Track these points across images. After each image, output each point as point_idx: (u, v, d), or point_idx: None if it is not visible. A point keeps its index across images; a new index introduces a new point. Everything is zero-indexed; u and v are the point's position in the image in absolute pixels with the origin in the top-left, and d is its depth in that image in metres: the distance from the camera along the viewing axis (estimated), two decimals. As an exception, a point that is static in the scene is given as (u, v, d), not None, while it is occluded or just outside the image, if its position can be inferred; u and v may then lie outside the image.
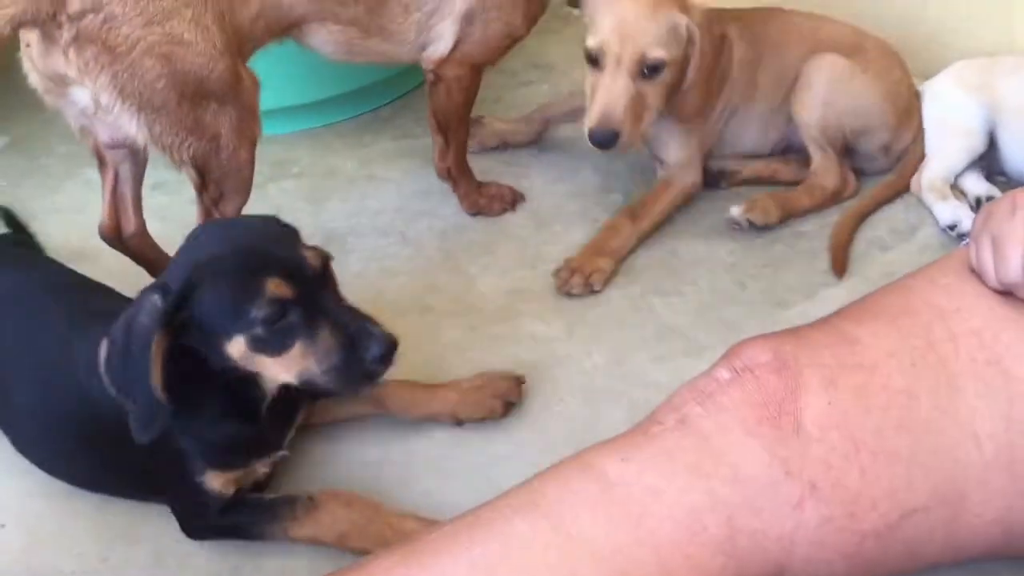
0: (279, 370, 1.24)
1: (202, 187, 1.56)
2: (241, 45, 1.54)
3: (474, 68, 1.76)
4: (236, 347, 1.22)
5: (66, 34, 1.37)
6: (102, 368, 1.20)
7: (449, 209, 1.95)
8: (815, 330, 1.14)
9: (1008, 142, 1.80)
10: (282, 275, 1.20)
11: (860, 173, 1.93)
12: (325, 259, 1.26)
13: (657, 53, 1.63)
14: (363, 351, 1.20)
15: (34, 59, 1.42)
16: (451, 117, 1.82)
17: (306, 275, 1.22)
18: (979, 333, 1.08)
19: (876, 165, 1.94)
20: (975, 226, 1.14)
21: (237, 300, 1.19)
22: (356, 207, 1.99)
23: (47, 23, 1.36)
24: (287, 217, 1.90)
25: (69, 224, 1.96)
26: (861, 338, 1.10)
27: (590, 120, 1.66)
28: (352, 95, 2.20)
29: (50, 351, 1.39)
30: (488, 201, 1.93)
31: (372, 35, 1.68)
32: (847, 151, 1.90)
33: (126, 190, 1.68)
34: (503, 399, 1.49)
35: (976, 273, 1.13)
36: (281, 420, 1.38)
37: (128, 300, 1.33)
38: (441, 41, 1.71)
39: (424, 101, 1.86)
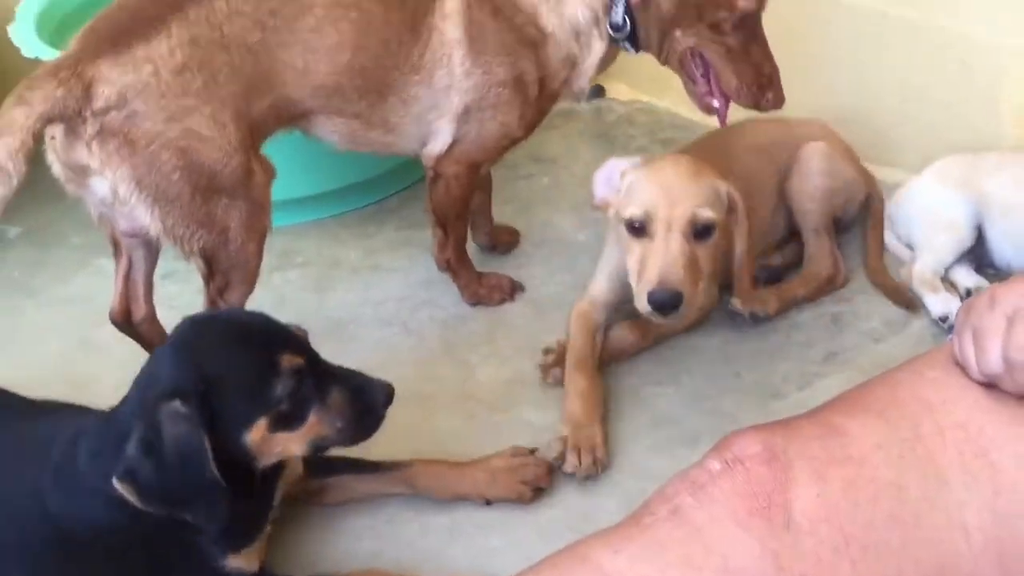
0: (294, 444, 1.28)
1: (209, 277, 1.61)
2: (253, 137, 1.61)
3: (472, 166, 1.82)
4: (257, 431, 1.23)
5: (90, 128, 1.45)
6: (137, 496, 1.17)
7: (450, 299, 2.00)
8: (805, 422, 1.16)
9: (995, 237, 1.85)
10: (291, 348, 1.24)
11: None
12: (303, 331, 1.33)
13: (707, 214, 1.56)
14: (370, 401, 1.29)
15: (58, 151, 1.49)
16: (449, 212, 1.87)
17: (305, 344, 1.28)
18: (965, 426, 1.10)
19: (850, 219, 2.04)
20: (957, 320, 1.17)
21: (257, 382, 1.22)
22: (360, 297, 2.03)
23: (73, 118, 1.44)
24: (291, 307, 1.98)
25: (80, 314, 2.01)
26: (850, 430, 1.12)
27: (649, 283, 1.54)
28: (357, 187, 2.26)
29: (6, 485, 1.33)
30: (488, 291, 1.97)
31: (375, 127, 1.74)
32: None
33: (138, 277, 1.73)
34: (532, 485, 1.51)
35: (961, 366, 1.16)
36: (271, 486, 1.38)
37: (81, 411, 1.36)
38: (439, 138, 1.77)
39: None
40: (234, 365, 1.23)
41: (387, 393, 1.31)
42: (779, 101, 1.74)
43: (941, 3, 2.04)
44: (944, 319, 1.80)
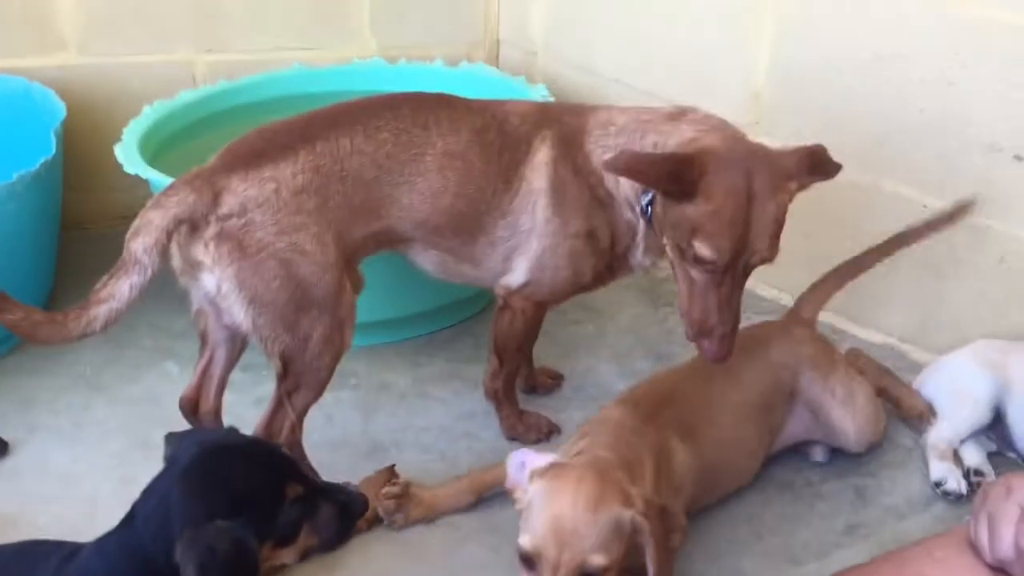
0: (286, 556, 1.40)
1: (283, 377, 1.75)
2: (352, 256, 1.78)
3: (539, 305, 1.94)
4: (264, 552, 1.35)
5: (211, 230, 1.64)
6: None
7: (489, 433, 2.09)
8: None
9: (1017, 421, 1.90)
10: (293, 476, 1.37)
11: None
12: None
13: (598, 560, 1.43)
14: (351, 513, 1.45)
15: (180, 245, 1.67)
16: (510, 343, 1.99)
17: (299, 467, 1.41)
18: (966, 607, 1.15)
19: None
20: (975, 504, 1.24)
21: (268, 510, 1.34)
22: (403, 422, 2.13)
23: (199, 221, 1.63)
24: (338, 425, 2.09)
25: (143, 414, 2.14)
26: (853, 601, 1.18)
27: None
28: (413, 318, 2.39)
29: None
30: (525, 429, 2.07)
31: (464, 262, 1.91)
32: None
33: (215, 373, 1.88)
34: None
35: (974, 548, 1.22)
36: None
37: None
38: (515, 275, 1.91)
39: (480, 328, 2.03)
40: (249, 492, 1.33)
41: (363, 505, 1.47)
42: (717, 355, 1.69)
43: (983, 202, 2.13)
44: (939, 484, 1.89)
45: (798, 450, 2.01)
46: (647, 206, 1.77)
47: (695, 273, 1.68)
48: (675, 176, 1.62)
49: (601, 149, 1.82)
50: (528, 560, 1.45)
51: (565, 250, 1.86)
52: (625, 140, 1.80)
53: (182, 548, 1.24)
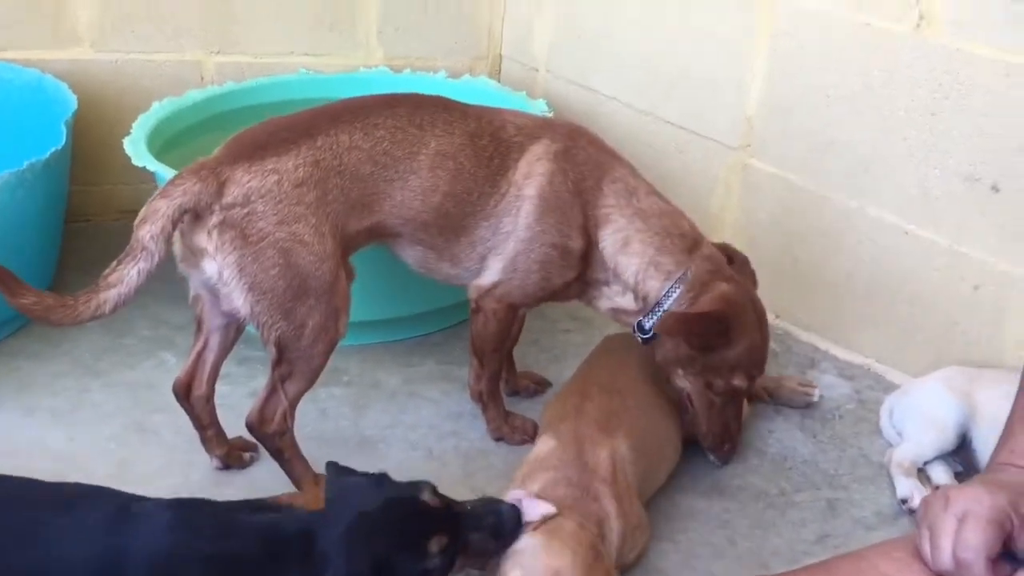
0: None
1: (277, 363, 1.81)
2: (346, 248, 1.85)
3: (510, 307, 2.01)
4: None
5: (215, 218, 1.70)
6: None
7: (476, 433, 2.15)
8: (775, 582, 1.28)
9: (980, 447, 1.97)
10: (437, 529, 1.45)
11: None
12: (435, 489, 1.51)
13: None
14: (505, 530, 1.52)
15: (183, 232, 1.72)
16: (486, 345, 2.05)
17: (444, 514, 1.48)
18: (919, 604, 1.22)
19: None
20: (918, 516, 1.30)
21: (413, 563, 1.43)
22: (393, 419, 2.19)
23: (204, 209, 1.69)
24: (331, 421, 2.15)
25: (138, 399, 2.19)
26: (814, 594, 1.24)
27: None
28: (406, 320, 2.46)
29: None
30: (511, 430, 2.13)
31: (444, 260, 1.98)
32: None
33: (209, 358, 1.93)
34: None
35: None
36: None
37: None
38: (487, 275, 1.97)
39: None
40: (394, 554, 1.43)
41: (517, 518, 1.53)
42: (731, 455, 2.05)
43: (961, 231, 2.22)
44: (904, 501, 1.97)
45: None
46: (650, 329, 1.92)
47: (716, 399, 1.94)
48: (716, 334, 1.85)
49: (614, 203, 1.92)
50: None
51: (539, 256, 1.93)
52: (642, 237, 1.91)
53: None
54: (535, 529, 1.54)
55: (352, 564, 1.39)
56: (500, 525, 1.52)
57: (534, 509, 1.57)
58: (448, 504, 1.50)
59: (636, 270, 1.92)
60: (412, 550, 1.43)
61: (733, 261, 2.00)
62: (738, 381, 1.90)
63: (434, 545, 1.43)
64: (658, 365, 1.96)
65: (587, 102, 2.94)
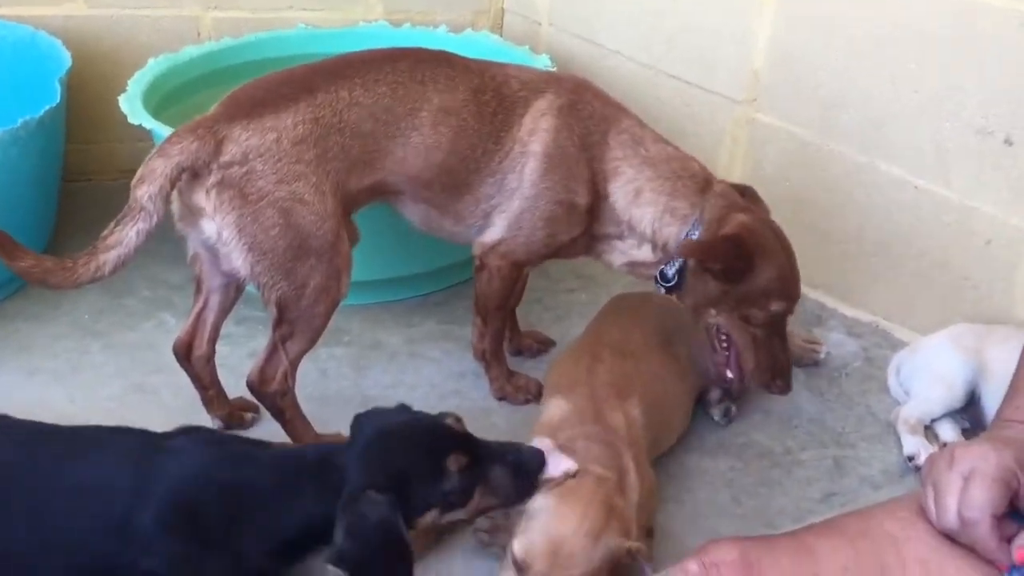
0: (460, 517, 1.47)
1: (278, 323, 1.79)
2: (347, 207, 1.81)
3: (515, 264, 1.98)
4: (429, 516, 1.43)
5: (213, 177, 1.67)
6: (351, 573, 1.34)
7: (479, 392, 2.13)
8: (781, 538, 1.28)
9: (990, 403, 1.94)
10: (457, 448, 1.43)
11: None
12: (460, 420, 1.51)
13: None
14: (526, 470, 1.48)
15: (181, 191, 1.69)
16: (489, 302, 2.02)
17: (466, 438, 1.46)
18: (926, 563, 1.20)
19: None
20: (923, 473, 1.28)
21: (430, 481, 1.41)
22: (395, 379, 2.18)
23: (201, 168, 1.66)
24: (332, 381, 2.13)
25: (138, 359, 2.18)
26: (820, 551, 1.23)
27: None
28: (408, 279, 2.43)
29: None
30: (515, 389, 2.11)
31: (448, 217, 1.95)
32: None
33: (209, 318, 1.90)
34: None
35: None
36: None
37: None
38: (492, 232, 1.94)
39: (473, 292, 2.06)
40: (411, 467, 1.41)
41: (540, 460, 1.49)
42: (786, 388, 1.90)
43: (974, 185, 2.18)
44: (911, 458, 1.95)
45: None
46: (674, 275, 1.87)
47: (758, 331, 1.85)
48: (737, 257, 1.78)
49: (621, 155, 1.89)
50: (519, 566, 1.48)
51: (544, 212, 1.90)
52: (650, 174, 1.87)
53: (340, 510, 1.35)
54: (553, 487, 1.51)
55: (368, 476, 1.38)
56: (521, 464, 1.48)
57: (557, 464, 1.52)
58: (470, 434, 1.49)
59: (652, 219, 1.87)
60: (430, 465, 1.41)
61: (744, 195, 1.94)
62: (776, 307, 1.82)
63: (453, 463, 1.41)
64: (689, 310, 1.90)
65: (591, 56, 2.89)
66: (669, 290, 1.90)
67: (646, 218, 1.88)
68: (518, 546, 1.48)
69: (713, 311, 1.86)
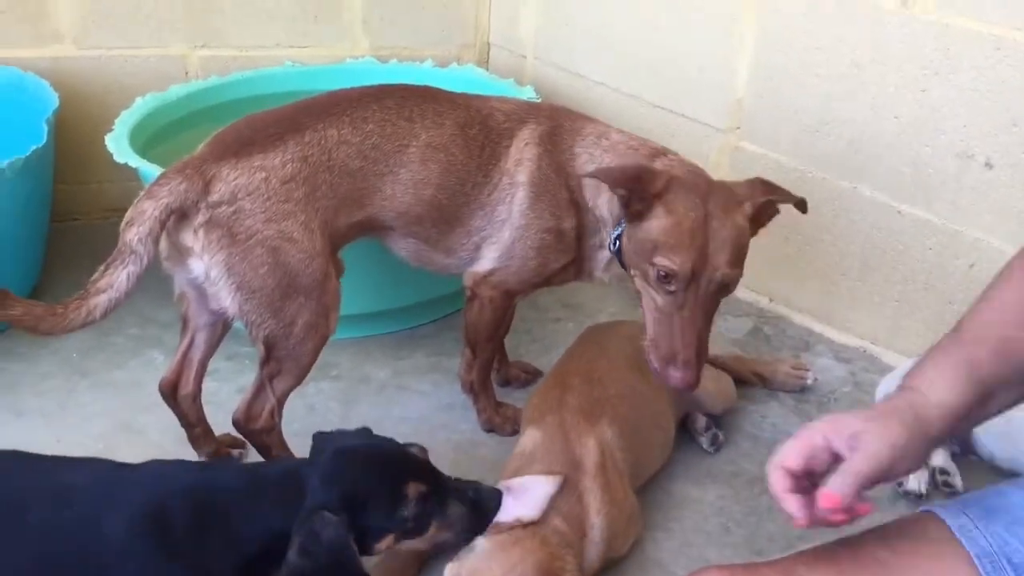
0: (417, 545, 1.48)
1: (265, 361, 1.79)
2: (336, 243, 1.82)
3: (506, 294, 1.98)
4: (385, 542, 1.44)
5: (201, 217, 1.67)
6: None
7: (467, 426, 2.13)
8: (769, 567, 1.27)
9: (979, 429, 1.94)
10: (416, 476, 1.44)
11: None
12: (424, 450, 1.53)
13: None
14: (483, 508, 1.51)
15: (169, 230, 1.69)
16: (480, 333, 2.02)
17: (427, 468, 1.48)
18: (915, 591, 1.20)
19: None
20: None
21: (388, 507, 1.42)
22: (383, 413, 2.17)
23: (190, 207, 1.66)
24: (319, 415, 2.13)
25: (125, 398, 2.18)
26: (808, 579, 1.22)
27: None
28: (395, 312, 2.43)
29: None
30: (502, 421, 2.10)
31: (439, 251, 1.95)
32: None
33: (195, 356, 1.90)
34: None
35: (925, 536, 1.26)
36: None
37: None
38: (483, 263, 1.95)
39: (461, 324, 2.07)
40: (370, 491, 1.43)
41: (497, 500, 1.52)
42: (683, 381, 1.70)
43: (956, 209, 2.19)
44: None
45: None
46: (616, 240, 1.82)
47: (659, 298, 1.71)
48: (638, 180, 1.70)
49: (587, 156, 1.88)
50: None
51: (535, 242, 1.91)
52: (611, 158, 1.87)
53: (296, 525, 1.37)
54: (501, 531, 1.53)
55: (325, 495, 1.39)
56: (480, 501, 1.51)
57: (513, 508, 1.54)
58: (432, 466, 1.51)
59: (607, 198, 1.83)
60: (389, 491, 1.42)
61: (751, 185, 1.81)
62: (664, 261, 1.66)
63: (411, 490, 1.42)
64: (630, 284, 1.84)
65: (575, 88, 2.92)
66: (617, 256, 1.84)
67: (603, 199, 1.85)
68: (448, 571, 1.52)
69: (633, 272, 1.78)
